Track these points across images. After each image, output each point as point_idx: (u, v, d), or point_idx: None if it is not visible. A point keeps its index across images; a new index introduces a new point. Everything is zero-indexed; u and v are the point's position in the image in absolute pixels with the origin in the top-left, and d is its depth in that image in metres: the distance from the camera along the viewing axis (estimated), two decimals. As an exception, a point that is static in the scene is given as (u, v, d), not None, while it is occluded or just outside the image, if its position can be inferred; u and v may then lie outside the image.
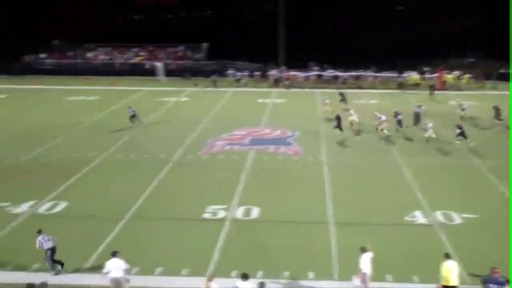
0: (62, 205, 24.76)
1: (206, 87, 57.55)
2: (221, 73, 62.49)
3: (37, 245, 18.58)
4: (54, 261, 18.66)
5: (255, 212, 23.83)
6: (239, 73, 61.31)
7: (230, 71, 62.52)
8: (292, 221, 23.01)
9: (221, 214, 23.64)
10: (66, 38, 76.35)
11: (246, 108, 46.39)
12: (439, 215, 23.36)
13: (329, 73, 61.00)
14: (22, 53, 72.30)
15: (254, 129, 38.66)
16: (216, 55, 69.62)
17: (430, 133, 34.90)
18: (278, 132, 37.57)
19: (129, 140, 36.08)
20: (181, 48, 73.89)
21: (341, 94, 47.37)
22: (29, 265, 19.03)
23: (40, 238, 18.61)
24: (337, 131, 36.20)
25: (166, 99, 51.37)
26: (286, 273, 18.51)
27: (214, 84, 58.47)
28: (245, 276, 15.64)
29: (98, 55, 73.89)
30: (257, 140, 35.77)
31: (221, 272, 18.44)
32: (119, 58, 73.13)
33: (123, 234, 21.86)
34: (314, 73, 61.64)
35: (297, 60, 62.53)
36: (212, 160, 31.73)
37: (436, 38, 66.80)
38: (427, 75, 58.54)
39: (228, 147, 34.23)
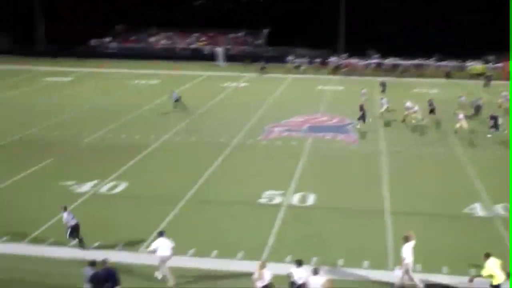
0: (122, 186, 25.45)
1: (264, 74, 57.64)
2: (280, 59, 62.43)
3: (64, 221, 19.27)
4: (77, 238, 19.35)
5: (311, 199, 23.89)
6: (298, 60, 61.14)
7: (289, 58, 62.39)
8: (348, 209, 22.96)
9: (277, 200, 23.80)
10: (130, 23, 77.77)
11: (305, 95, 46.31)
12: (499, 208, 22.85)
13: (390, 61, 60.11)
14: (89, 37, 74.19)
15: (312, 116, 38.59)
16: (276, 41, 69.59)
17: (462, 124, 33.92)
18: (336, 120, 37.40)
19: (189, 123, 36.64)
20: (241, 33, 74.21)
21: (382, 84, 46.61)
22: (90, 243, 19.68)
23: (65, 214, 19.25)
24: (361, 122, 35.37)
25: (225, 84, 51.81)
26: (341, 261, 18.51)
27: (263, 71, 58.57)
28: (299, 263, 15.72)
29: (160, 40, 75.05)
30: (315, 127, 35.72)
31: (275, 257, 18.59)
32: (180, 43, 74.08)
33: (180, 216, 22.31)
34: (374, 61, 60.90)
35: (357, 47, 61.81)
36: (270, 146, 31.92)
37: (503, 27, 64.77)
38: (491, 65, 56.91)
39: (286, 133, 34.32)
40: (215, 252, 19.10)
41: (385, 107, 38.35)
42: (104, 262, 15.42)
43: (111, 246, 19.45)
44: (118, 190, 24.98)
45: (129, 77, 55.69)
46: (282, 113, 39.03)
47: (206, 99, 43.30)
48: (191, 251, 19.17)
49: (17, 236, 20.09)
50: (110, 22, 77.16)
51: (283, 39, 67.53)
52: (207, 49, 70.91)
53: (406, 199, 23.85)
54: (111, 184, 25.63)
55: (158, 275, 17.50)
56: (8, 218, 21.85)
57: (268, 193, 24.50)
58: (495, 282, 15.53)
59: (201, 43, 72.91)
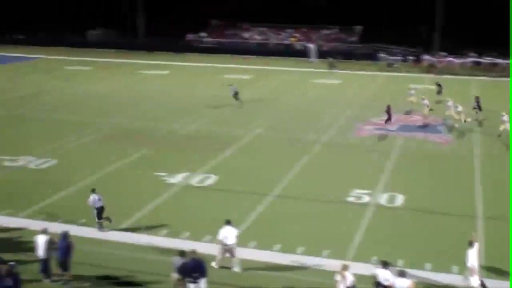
0: (213, 179, 26.10)
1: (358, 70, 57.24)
2: (373, 57, 61.66)
3: (90, 202, 20.15)
4: (101, 218, 20.40)
5: (399, 200, 23.59)
6: (391, 57, 60.12)
7: (382, 55, 61.45)
8: (437, 211, 22.49)
9: (365, 199, 23.66)
10: (225, 19, 79.07)
11: (397, 93, 45.47)
12: None
13: (488, 59, 57.94)
14: (185, 32, 76.16)
15: (403, 115, 37.93)
16: (369, 38, 68.69)
17: (505, 127, 32.12)
18: (428, 120, 36.55)
19: (279, 119, 36.97)
20: (335, 30, 73.78)
21: (438, 84, 44.65)
22: (179, 233, 20.36)
23: (94, 196, 20.19)
24: (387, 124, 34.77)
25: (317, 80, 51.78)
26: (428, 265, 18.19)
27: (331, 66, 58.32)
28: (385, 264, 15.60)
29: (254, 35, 75.89)
30: (406, 127, 35.12)
31: (361, 257, 18.54)
32: (274, 38, 74.59)
33: (268, 211, 22.63)
34: (470, 59, 58.88)
35: (453, 45, 60.00)
36: (360, 144, 31.71)
37: None
38: None
39: (377, 131, 33.96)
40: (301, 249, 19.26)
41: (452, 110, 36.02)
42: (193, 252, 15.91)
43: (200, 237, 20.04)
44: (208, 182, 25.63)
45: (222, 72, 56.78)
46: (373, 111, 38.60)
47: (296, 95, 43.48)
48: (277, 246, 19.44)
49: (111, 224, 21.05)
50: (206, 17, 78.81)
51: (376, 36, 66.56)
52: (299, 45, 71.04)
53: (499, 205, 23.06)
54: (202, 176, 26.33)
55: (236, 267, 17.89)
56: (104, 204, 22.94)
57: (356, 191, 24.40)
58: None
59: (293, 39, 73.10)
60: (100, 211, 20.43)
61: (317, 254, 18.90)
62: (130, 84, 49.77)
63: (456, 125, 35.08)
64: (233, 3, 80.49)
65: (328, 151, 30.64)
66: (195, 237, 20.01)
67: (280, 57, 65.90)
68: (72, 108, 40.05)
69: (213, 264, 17.84)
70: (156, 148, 30.77)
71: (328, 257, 18.69)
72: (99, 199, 20.40)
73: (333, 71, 56.88)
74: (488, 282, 16.50)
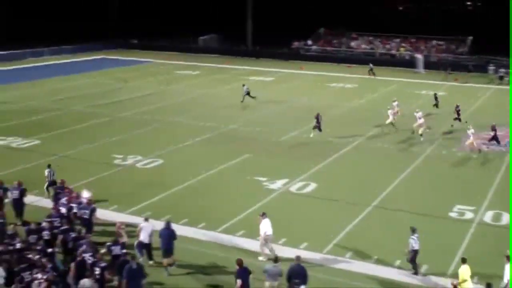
0: (312, 186, 26.21)
1: (466, 82, 55.45)
2: (483, 68, 59.48)
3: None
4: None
5: (505, 218, 22.63)
6: (502, 70, 57.59)
7: (491, 67, 59.09)
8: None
9: (469, 215, 22.93)
10: (332, 27, 79.00)
11: (507, 107, 43.44)
12: None
13: None
14: (292, 39, 76.82)
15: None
16: (480, 49, 66.24)
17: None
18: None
19: (383, 129, 36.45)
20: (444, 41, 71.81)
21: (436, 97, 42.29)
22: (276, 239, 20.62)
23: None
24: (315, 131, 34.14)
25: (423, 91, 50.63)
26: (533, 287, 17.36)
27: (371, 73, 57.96)
28: (488, 286, 15.03)
29: (361, 44, 75.29)
30: (517, 143, 33.59)
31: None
32: (380, 48, 73.66)
33: (366, 222, 22.43)
34: None
35: None
36: (466, 158, 30.73)
37: None
38: None
39: (484, 146, 32.73)
40: (398, 263, 18.95)
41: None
42: (297, 258, 16.08)
43: (296, 244, 20.18)
44: (307, 190, 25.77)
45: (327, 80, 56.78)
46: (482, 125, 37.16)
47: (403, 106, 42.60)
48: (374, 258, 19.26)
49: (212, 224, 21.68)
50: (312, 25, 79.08)
51: (488, 48, 64.04)
52: (406, 55, 69.75)
53: None
54: (301, 183, 26.50)
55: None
56: (206, 205, 23.69)
57: (459, 207, 23.69)
58: (465, 286, 16.08)
59: (402, 49, 71.83)
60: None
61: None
62: (236, 90, 50.77)
63: None
64: (341, 12, 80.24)
65: (432, 163, 29.91)
66: (292, 244, 20.19)
67: (387, 67, 64.95)
68: (180, 111, 41.46)
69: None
70: (258, 153, 31.28)
71: (427, 273, 18.28)
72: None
73: (443, 82, 55.36)
74: None
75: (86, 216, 19.89)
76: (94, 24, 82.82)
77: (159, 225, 19.07)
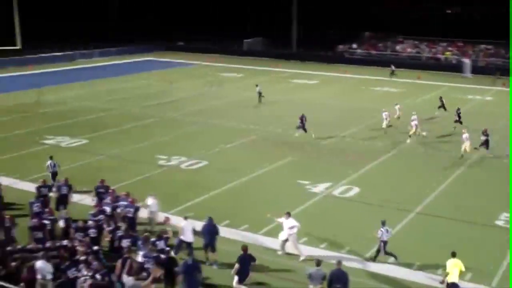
0: (354, 190, 26.12)
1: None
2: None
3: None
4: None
5: (554, 228, 22.11)
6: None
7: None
8: None
9: (515, 224, 22.49)
10: (377, 31, 78.46)
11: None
12: None
13: None
14: (337, 43, 76.59)
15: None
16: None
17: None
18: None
19: (430, 134, 35.97)
20: (492, 45, 70.42)
21: (441, 99, 41.72)
22: (316, 243, 20.62)
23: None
24: (299, 131, 34.99)
25: (470, 96, 49.80)
26: None
27: (392, 74, 58.31)
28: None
29: (406, 48, 74.49)
30: None
31: (506, 285, 17.71)
32: (427, 52, 72.73)
33: (408, 228, 22.20)
34: None
35: None
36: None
37: None
38: None
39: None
40: (439, 271, 18.71)
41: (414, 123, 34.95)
42: (338, 263, 16.11)
43: (338, 249, 20.18)
44: (350, 194, 25.68)
45: (371, 83, 56.41)
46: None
47: (446, 111, 42.02)
48: (417, 264, 19.09)
49: (254, 227, 21.80)
50: (357, 29, 78.66)
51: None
52: (453, 59, 68.68)
53: None
54: (344, 187, 26.43)
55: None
56: (248, 207, 23.84)
57: (506, 215, 23.25)
58: (449, 279, 16.62)
59: (448, 53, 70.76)
60: None
61: (460, 277, 18.23)
62: (280, 92, 50.90)
63: None
64: (387, 15, 79.57)
65: (479, 170, 29.46)
66: (333, 248, 20.18)
67: (433, 71, 64.12)
68: (224, 113, 41.81)
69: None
70: (301, 156, 31.33)
71: (471, 280, 18.02)
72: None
73: (491, 87, 54.33)
74: None
75: (130, 215, 20.32)
76: (141, 26, 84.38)
77: (200, 225, 19.29)
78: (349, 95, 50.52)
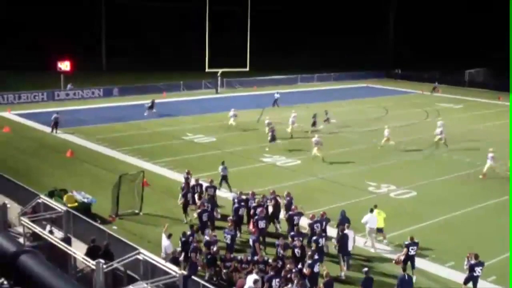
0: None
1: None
2: None
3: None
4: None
5: None
6: None
7: None
8: None
9: None
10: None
11: None
12: None
13: None
14: (465, 67, 75.57)
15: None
16: None
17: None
18: None
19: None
20: None
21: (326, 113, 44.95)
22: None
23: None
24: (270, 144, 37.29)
25: None
26: None
27: (434, 90, 58.26)
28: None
29: None
30: None
31: None
32: None
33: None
34: None
35: None
36: None
37: None
38: None
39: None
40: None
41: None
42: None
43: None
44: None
45: None
46: None
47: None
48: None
49: (461, 264, 21.08)
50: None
51: None
52: None
53: None
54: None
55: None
56: (456, 244, 23.29)
57: None
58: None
59: None
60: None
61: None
62: (501, 126, 48.39)
63: None
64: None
65: None
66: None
67: None
68: (433, 144, 40.18)
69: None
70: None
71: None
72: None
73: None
74: None
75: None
76: (360, 55, 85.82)
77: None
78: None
